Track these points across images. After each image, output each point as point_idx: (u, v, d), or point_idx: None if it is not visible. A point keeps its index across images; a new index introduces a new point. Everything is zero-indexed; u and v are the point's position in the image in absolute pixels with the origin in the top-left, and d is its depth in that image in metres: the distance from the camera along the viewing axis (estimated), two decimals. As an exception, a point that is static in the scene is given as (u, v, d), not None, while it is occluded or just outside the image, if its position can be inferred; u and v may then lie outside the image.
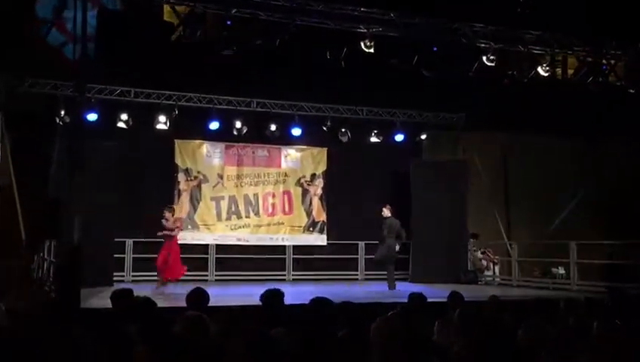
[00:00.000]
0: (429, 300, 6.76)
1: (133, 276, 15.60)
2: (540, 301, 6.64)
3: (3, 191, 13.39)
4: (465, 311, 5.39)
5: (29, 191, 13.65)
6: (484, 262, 17.65)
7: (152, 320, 5.18)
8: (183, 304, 5.97)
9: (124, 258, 15.65)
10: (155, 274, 13.46)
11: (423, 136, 17.49)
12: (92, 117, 14.32)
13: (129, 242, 15.67)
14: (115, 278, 14.47)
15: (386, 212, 14.23)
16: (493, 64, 13.01)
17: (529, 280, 16.07)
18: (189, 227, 16.34)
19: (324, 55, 12.57)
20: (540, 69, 13.44)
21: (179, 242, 13.42)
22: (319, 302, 5.26)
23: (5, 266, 11.44)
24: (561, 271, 16.53)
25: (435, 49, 12.99)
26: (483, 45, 13.08)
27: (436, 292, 11.57)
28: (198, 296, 5.93)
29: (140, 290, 10.83)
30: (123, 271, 15.59)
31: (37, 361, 3.70)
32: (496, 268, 17.75)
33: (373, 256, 15.42)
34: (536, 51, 13.52)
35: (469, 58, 13.25)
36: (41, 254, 12.33)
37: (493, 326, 5.62)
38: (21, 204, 13.34)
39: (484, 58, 12.96)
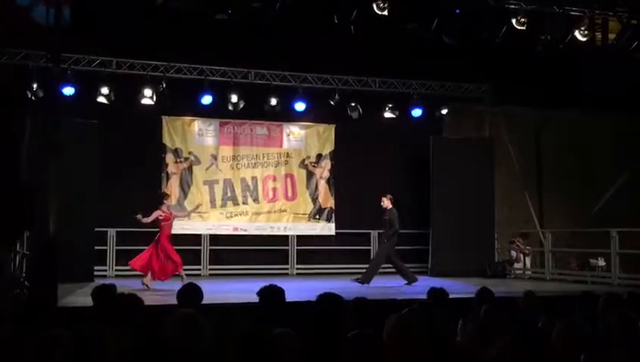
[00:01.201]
0: (452, 296, 6.75)
1: (116, 270, 15.67)
2: (577, 296, 6.64)
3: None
4: (494, 308, 5.38)
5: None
6: (514, 253, 17.65)
7: (138, 319, 5.19)
8: (174, 301, 5.99)
9: (106, 250, 15.70)
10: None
11: (444, 111, 17.42)
12: (68, 91, 14.32)
13: (111, 232, 15.72)
14: (96, 273, 14.50)
15: (387, 203, 14.32)
16: (523, 28, 12.92)
17: (564, 273, 16.07)
18: (179, 215, 16.34)
19: (332, 19, 12.49)
20: (577, 33, 13.34)
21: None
22: (328, 299, 5.26)
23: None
24: (601, 262, 16.54)
25: (457, 11, 12.89)
26: (512, 7, 12.98)
27: (459, 287, 11.64)
28: (191, 293, 5.94)
29: (124, 286, 10.89)
30: (105, 264, 15.65)
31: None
32: (527, 260, 17.75)
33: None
34: (573, 13, 13.41)
35: (496, 21, 13.15)
36: (14, 247, 12.36)
37: (528, 325, 5.60)
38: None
39: (514, 21, 12.87)
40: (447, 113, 17.48)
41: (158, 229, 12.95)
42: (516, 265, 17.49)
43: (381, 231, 17.41)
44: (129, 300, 5.62)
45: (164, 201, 13.14)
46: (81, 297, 10.52)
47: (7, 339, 4.41)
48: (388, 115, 16.88)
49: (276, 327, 4.24)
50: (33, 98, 14.25)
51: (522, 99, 17.42)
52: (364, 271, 14.57)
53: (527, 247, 17.66)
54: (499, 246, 17.56)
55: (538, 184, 19.00)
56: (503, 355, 3.56)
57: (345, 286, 12.54)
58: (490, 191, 17.11)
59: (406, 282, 14.00)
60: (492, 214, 17.13)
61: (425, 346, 4.14)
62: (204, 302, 6.00)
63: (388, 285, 14.18)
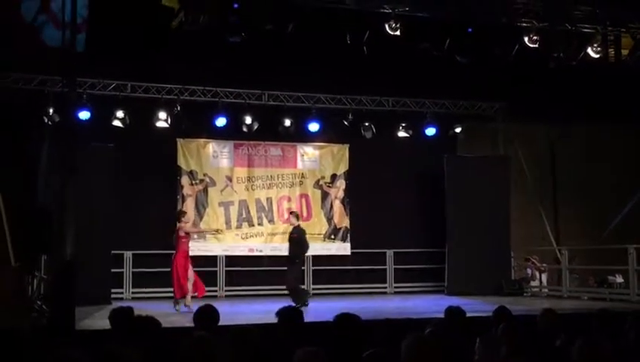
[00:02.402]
0: (468, 315, 6.72)
1: (133, 292, 15.69)
2: (596, 314, 6.58)
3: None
4: (511, 327, 5.35)
5: (15, 199, 13.74)
6: (530, 271, 17.54)
7: (155, 341, 5.20)
8: (191, 323, 6.00)
9: (122, 272, 15.73)
10: (165, 289, 13.55)
11: (458, 130, 17.39)
12: (84, 115, 14.42)
13: (128, 254, 15.76)
14: (113, 295, 14.54)
15: (294, 220, 14.04)
16: (536, 45, 12.93)
17: (582, 291, 15.94)
18: (195, 237, 16.37)
19: (344, 40, 12.54)
20: (590, 50, 13.33)
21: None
22: (345, 319, 5.25)
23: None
24: (619, 279, 16.39)
25: (469, 30, 12.92)
26: (524, 24, 13.00)
27: (476, 306, 11.57)
28: (207, 314, 5.94)
29: (141, 308, 10.90)
30: (122, 287, 15.68)
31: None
32: (544, 278, 17.63)
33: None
34: (585, 30, 13.41)
35: (508, 40, 13.16)
36: (33, 271, 12.42)
37: (547, 344, 5.56)
38: (7, 214, 13.43)
39: (526, 39, 12.89)
40: (460, 131, 17.43)
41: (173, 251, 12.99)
42: (532, 283, 17.37)
43: (397, 249, 17.48)
44: (146, 323, 5.63)
45: (182, 218, 13.16)
46: (98, 320, 10.55)
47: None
48: (402, 134, 16.87)
49: (295, 348, 4.23)
50: (50, 123, 14.36)
51: (536, 116, 17.39)
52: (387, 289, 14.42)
53: (544, 265, 17.55)
54: (515, 264, 17.46)
55: (554, 201, 18.92)
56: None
57: (361, 306, 12.51)
58: (506, 208, 17.04)
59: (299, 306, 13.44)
60: (508, 231, 17.05)
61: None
62: (222, 323, 6.00)
63: (404, 304, 14.13)
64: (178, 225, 13.14)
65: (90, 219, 12.99)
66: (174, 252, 13.03)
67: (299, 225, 13.86)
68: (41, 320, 10.31)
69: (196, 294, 12.95)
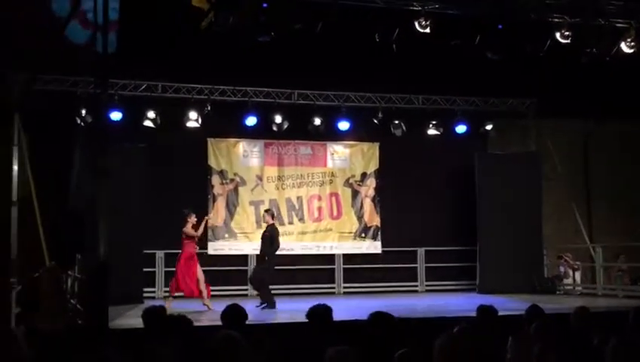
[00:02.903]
0: (501, 313, 6.68)
1: (165, 291, 15.78)
2: (630, 311, 6.51)
3: (22, 202, 13.69)
4: (544, 325, 5.31)
5: (49, 200, 13.93)
6: (563, 269, 17.39)
7: (187, 340, 5.24)
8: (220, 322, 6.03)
9: (154, 272, 15.86)
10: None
11: (489, 127, 17.27)
12: (116, 116, 14.56)
13: (159, 254, 15.89)
14: (145, 294, 14.67)
15: (268, 218, 13.76)
16: (568, 41, 12.79)
17: (616, 289, 15.76)
18: (226, 236, 16.50)
19: (373, 38, 12.52)
20: (623, 45, 13.17)
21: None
22: (380, 318, 5.25)
23: (30, 284, 11.69)
24: (655, 277, 16.19)
25: (499, 27, 12.82)
26: (556, 20, 12.88)
27: (508, 304, 11.50)
28: (234, 313, 5.97)
29: (173, 307, 11.00)
30: (154, 286, 15.81)
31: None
32: (577, 275, 17.46)
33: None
34: (618, 24, 13.25)
35: (539, 35, 13.04)
36: (67, 271, 12.58)
37: (580, 342, 5.51)
38: (41, 215, 13.62)
39: (558, 35, 12.75)
40: (491, 128, 17.32)
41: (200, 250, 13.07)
42: (566, 281, 17.21)
43: (428, 248, 17.43)
44: (178, 321, 5.68)
45: (189, 219, 13.15)
46: (131, 319, 10.65)
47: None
48: (432, 131, 16.81)
49: (325, 346, 4.24)
50: (82, 124, 14.51)
51: (568, 112, 17.23)
52: (418, 288, 14.37)
53: (577, 262, 17.37)
54: (548, 262, 17.32)
55: (587, 197, 18.72)
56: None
57: (392, 305, 12.47)
58: (538, 205, 16.90)
59: (264, 306, 12.97)
60: (540, 229, 16.91)
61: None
62: (253, 322, 6.03)
63: (436, 303, 14.09)
64: (186, 225, 13.11)
65: (123, 219, 13.11)
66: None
67: (273, 224, 13.66)
68: (75, 319, 10.44)
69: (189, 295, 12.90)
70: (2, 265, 13.19)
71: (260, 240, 13.73)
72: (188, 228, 12.96)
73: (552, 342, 4.90)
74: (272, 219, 13.74)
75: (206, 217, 13.81)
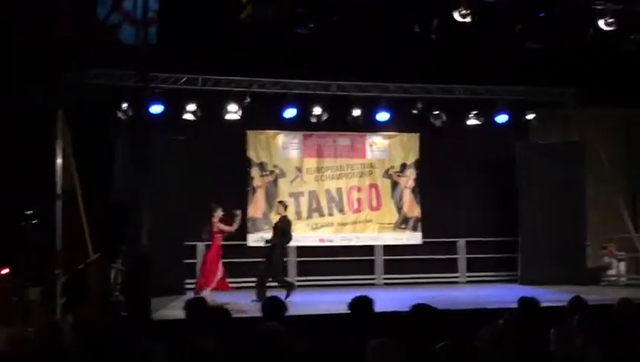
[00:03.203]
0: (543, 305, 6.63)
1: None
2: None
3: (66, 195, 13.91)
4: (587, 317, 5.26)
5: (92, 193, 14.13)
6: (607, 260, 17.17)
7: (227, 331, 5.30)
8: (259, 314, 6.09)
9: (195, 263, 15.99)
10: (237, 279, 13.72)
11: (530, 116, 17.09)
12: (157, 109, 14.70)
13: (200, 246, 16.01)
14: (186, 286, 14.81)
15: (282, 209, 13.65)
16: (611, 28, 12.59)
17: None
18: (265, 227, 16.56)
19: (412, 28, 12.47)
20: (667, 32, 12.93)
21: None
22: (422, 310, 5.25)
23: (75, 276, 11.89)
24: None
25: (540, 15, 12.68)
26: (599, 7, 12.68)
27: (550, 296, 11.39)
28: (275, 305, 6.01)
29: (214, 299, 11.09)
30: (194, 277, 15.92)
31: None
32: (622, 266, 17.23)
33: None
34: (662, 10, 13.01)
35: (582, 23, 12.86)
36: (111, 263, 12.76)
37: (624, 334, 5.45)
38: (85, 207, 13.84)
39: (601, 22, 12.56)
40: (533, 118, 17.14)
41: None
42: (610, 272, 16.99)
43: (468, 238, 17.34)
44: (219, 313, 5.75)
45: (214, 214, 13.20)
46: (173, 310, 10.78)
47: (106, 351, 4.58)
48: (472, 121, 16.70)
49: (367, 338, 4.26)
50: (124, 117, 14.68)
51: (611, 100, 16.96)
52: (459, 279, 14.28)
53: (621, 253, 17.15)
54: (591, 253, 17.11)
55: (631, 186, 18.46)
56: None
57: (433, 296, 12.45)
58: (581, 195, 16.70)
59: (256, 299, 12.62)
60: (583, 219, 16.71)
61: (518, 357, 4.09)
62: (294, 313, 6.07)
63: (477, 294, 14.02)
64: (212, 220, 13.17)
65: (164, 211, 13.27)
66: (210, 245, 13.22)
67: (286, 216, 13.60)
68: (120, 311, 10.59)
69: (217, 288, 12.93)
70: (48, 257, 13.45)
71: (272, 230, 13.71)
72: (222, 224, 13.07)
73: (595, 334, 4.86)
74: (285, 210, 13.68)
75: (234, 212, 13.83)
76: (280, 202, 14.26)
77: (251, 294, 12.77)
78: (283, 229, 13.37)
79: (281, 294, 12.41)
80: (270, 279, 13.10)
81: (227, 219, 13.26)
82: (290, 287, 12.88)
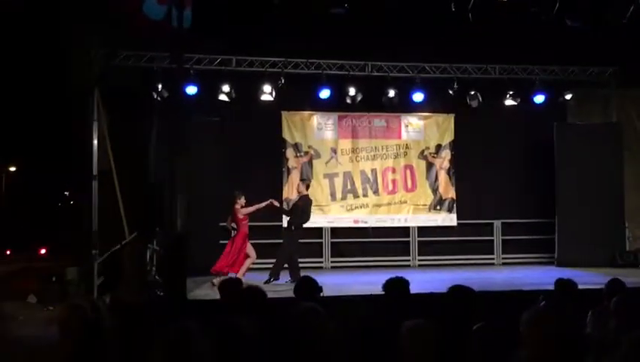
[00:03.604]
0: (580, 287, 6.58)
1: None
2: None
3: (102, 176, 14.10)
4: (625, 299, 5.21)
5: (128, 174, 14.29)
6: (646, 242, 16.97)
7: (262, 311, 5.33)
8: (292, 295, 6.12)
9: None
10: (262, 261, 13.76)
11: (568, 96, 16.86)
12: (191, 90, 14.76)
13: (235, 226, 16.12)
14: (222, 267, 14.90)
15: (302, 188, 13.64)
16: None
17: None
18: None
19: (449, 7, 12.35)
20: None
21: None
22: (459, 291, 5.24)
23: (112, 256, 12.07)
24: None
25: (580, -8, 12.48)
26: (639, -16, 12.45)
27: (588, 278, 11.31)
28: (307, 286, 6.03)
29: (248, 279, 11.19)
30: (230, 258, 16.05)
31: (140, 358, 3.91)
32: (661, 249, 17.01)
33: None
34: None
35: (622, 1, 12.63)
36: (148, 243, 12.91)
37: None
38: (121, 188, 14.00)
39: (642, -1, 12.34)
40: (571, 98, 16.89)
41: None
42: (649, 255, 16.79)
43: (504, 220, 17.23)
44: (254, 293, 5.78)
45: (238, 201, 13.21)
46: (209, 290, 10.88)
47: (142, 332, 4.63)
48: (509, 102, 16.50)
49: (402, 319, 4.26)
50: (159, 98, 14.78)
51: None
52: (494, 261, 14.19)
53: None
54: (630, 235, 16.90)
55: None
56: (636, 349, 3.44)
57: (468, 278, 12.43)
58: (619, 177, 16.50)
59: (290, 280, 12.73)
60: (621, 201, 16.51)
61: (558, 340, 4.07)
62: (329, 294, 6.09)
63: (514, 276, 13.95)
64: (235, 206, 13.21)
65: (199, 192, 13.38)
66: (235, 232, 13.23)
67: (307, 195, 13.63)
68: (155, 291, 10.72)
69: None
70: (84, 237, 13.65)
71: (291, 208, 13.71)
72: (247, 208, 13.13)
73: (633, 317, 4.80)
74: (307, 189, 13.73)
75: (271, 200, 13.91)
76: (302, 180, 14.36)
77: (285, 276, 12.84)
78: (303, 208, 13.40)
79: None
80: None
81: (247, 205, 13.31)
82: (294, 274, 12.72)
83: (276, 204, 13.74)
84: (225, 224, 13.76)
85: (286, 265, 13.14)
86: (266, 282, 12.51)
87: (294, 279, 12.28)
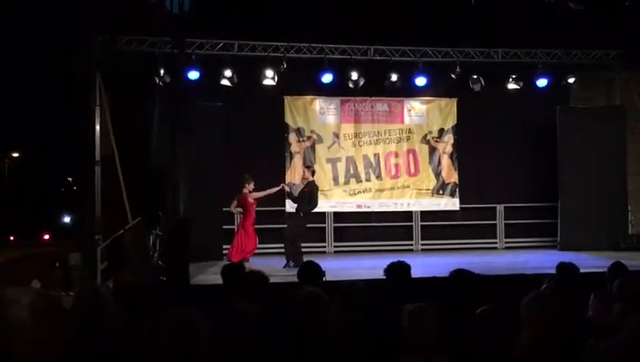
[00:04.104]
0: (582, 271, 6.58)
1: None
2: None
3: (105, 161, 14.10)
4: (627, 283, 5.21)
5: (130, 160, 14.29)
6: (649, 226, 16.96)
7: (264, 296, 5.35)
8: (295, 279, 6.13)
9: (233, 229, 16.11)
10: (274, 245, 13.81)
11: (571, 80, 16.80)
12: (193, 75, 14.73)
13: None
14: (224, 251, 14.93)
15: (308, 174, 13.68)
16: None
17: None
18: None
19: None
20: None
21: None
22: (461, 275, 5.25)
23: (115, 241, 12.10)
24: None
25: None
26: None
27: (591, 261, 11.31)
28: (311, 271, 6.04)
29: (251, 264, 11.21)
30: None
31: (144, 343, 3.92)
32: (664, 232, 17.01)
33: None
34: None
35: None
36: (151, 228, 12.93)
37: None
38: (123, 174, 14.01)
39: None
40: (574, 82, 16.84)
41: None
42: (652, 238, 16.78)
43: (507, 204, 17.23)
44: (256, 277, 5.80)
45: (247, 185, 13.28)
46: (211, 275, 10.91)
47: (143, 317, 4.64)
48: (512, 86, 16.45)
49: (404, 303, 4.27)
50: (161, 83, 14.76)
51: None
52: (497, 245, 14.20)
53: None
54: (632, 218, 16.90)
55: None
56: (638, 332, 3.44)
57: (471, 262, 12.44)
58: (622, 160, 16.47)
59: (291, 265, 12.81)
60: (624, 184, 16.50)
61: (559, 323, 4.08)
62: (330, 279, 6.10)
63: (516, 260, 13.97)
64: (244, 191, 13.27)
65: (202, 177, 13.39)
66: (243, 216, 13.31)
67: (313, 181, 13.67)
68: (159, 275, 10.76)
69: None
70: (87, 223, 13.67)
71: (298, 195, 13.67)
72: (257, 193, 13.20)
73: (635, 300, 4.81)
74: (313, 175, 13.75)
75: (283, 185, 13.99)
76: (307, 167, 14.37)
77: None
78: (310, 194, 13.42)
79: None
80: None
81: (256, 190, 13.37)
82: (297, 259, 12.72)
83: (288, 189, 13.81)
84: (229, 209, 13.79)
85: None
86: (285, 266, 12.69)
87: (297, 264, 12.26)
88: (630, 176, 16.63)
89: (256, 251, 13.49)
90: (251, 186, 13.27)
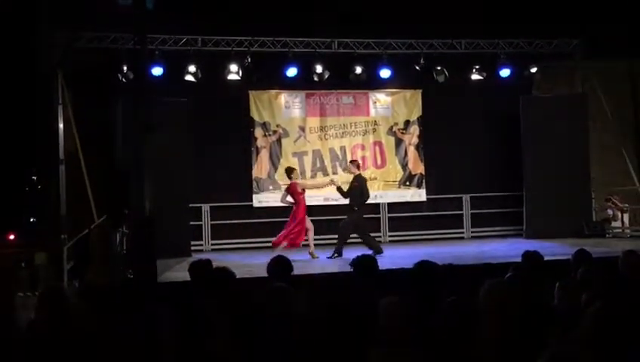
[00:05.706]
0: (547, 258, 6.63)
1: (212, 245, 16.03)
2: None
3: (68, 159, 13.93)
4: (591, 270, 5.25)
5: (94, 157, 14.13)
6: (611, 212, 17.17)
7: (230, 292, 5.31)
8: (264, 274, 6.09)
9: (201, 225, 16.05)
10: (243, 240, 13.76)
11: (534, 69, 16.95)
12: (157, 71, 14.62)
13: (205, 207, 16.06)
14: (193, 248, 14.86)
15: (354, 169, 13.91)
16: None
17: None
18: (270, 188, 16.56)
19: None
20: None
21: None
22: (424, 266, 5.25)
23: (81, 240, 11.96)
24: None
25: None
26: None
27: (556, 249, 11.41)
28: (280, 265, 6.01)
29: (220, 260, 11.14)
30: (201, 239, 16.01)
31: (109, 341, 3.87)
32: (625, 218, 17.23)
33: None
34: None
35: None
36: (117, 226, 12.80)
37: (629, 287, 5.44)
38: (88, 171, 13.85)
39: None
40: (536, 71, 16.99)
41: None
42: (614, 224, 16.99)
43: (473, 194, 17.34)
44: (223, 274, 5.75)
45: (292, 175, 13.48)
46: (179, 272, 10.82)
47: (108, 316, 4.58)
48: (475, 76, 16.55)
49: (371, 296, 4.26)
50: (124, 80, 14.61)
51: (618, 52, 16.74)
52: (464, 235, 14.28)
53: (625, 205, 17.13)
54: (596, 206, 17.09)
55: (636, 139, 18.33)
56: (600, 319, 3.45)
57: (438, 252, 12.51)
58: (585, 148, 16.62)
59: (335, 255, 13.28)
60: (587, 172, 16.65)
61: (521, 312, 4.08)
62: (298, 273, 6.07)
63: (483, 249, 14.05)
64: (290, 181, 13.41)
65: (168, 174, 13.26)
66: (294, 207, 13.37)
67: (360, 174, 13.83)
68: (126, 274, 10.64)
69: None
70: (52, 222, 13.49)
71: (348, 190, 13.69)
72: (307, 182, 13.42)
73: (600, 288, 4.84)
74: (358, 169, 13.94)
75: (331, 179, 14.28)
76: (352, 161, 14.48)
77: (260, 254, 12.82)
78: (361, 188, 13.54)
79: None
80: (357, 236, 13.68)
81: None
82: (376, 248, 13.03)
83: (336, 183, 13.81)
84: (282, 202, 13.81)
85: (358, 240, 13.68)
86: (330, 257, 13.05)
87: (376, 250, 12.66)
88: (593, 163, 16.80)
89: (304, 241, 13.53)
90: (298, 174, 13.64)
